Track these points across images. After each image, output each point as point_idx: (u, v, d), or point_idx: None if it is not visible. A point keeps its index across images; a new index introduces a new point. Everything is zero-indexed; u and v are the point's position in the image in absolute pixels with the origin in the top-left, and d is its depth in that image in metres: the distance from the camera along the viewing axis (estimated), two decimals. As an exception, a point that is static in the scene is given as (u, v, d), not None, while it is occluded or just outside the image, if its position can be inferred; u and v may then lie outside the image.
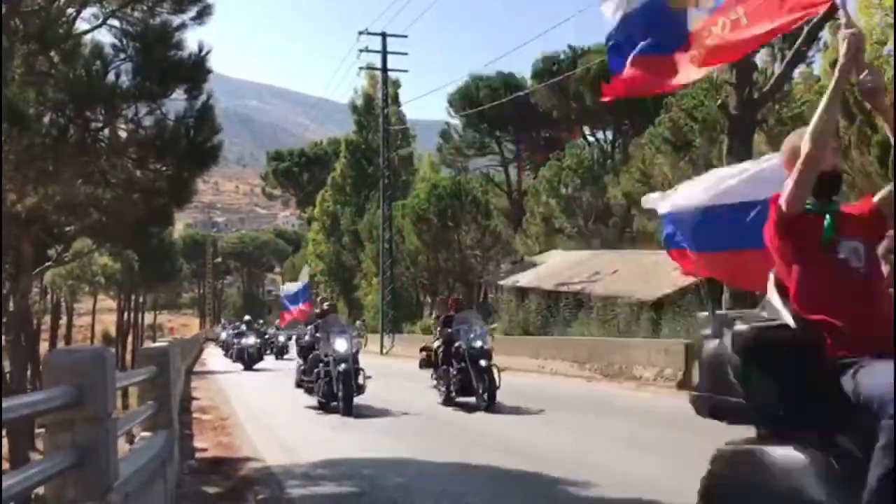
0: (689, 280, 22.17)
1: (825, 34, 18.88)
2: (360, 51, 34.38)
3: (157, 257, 37.95)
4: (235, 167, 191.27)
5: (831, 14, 6.97)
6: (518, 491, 5.54)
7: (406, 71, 37.47)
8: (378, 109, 37.68)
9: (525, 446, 7.17)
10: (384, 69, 34.66)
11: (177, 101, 7.55)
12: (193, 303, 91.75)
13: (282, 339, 29.59)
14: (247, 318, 28.44)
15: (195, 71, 7.30)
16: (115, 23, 7.46)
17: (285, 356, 27.63)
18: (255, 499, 5.24)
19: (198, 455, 7.19)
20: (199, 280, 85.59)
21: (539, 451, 6.83)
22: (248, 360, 23.37)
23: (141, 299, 51.92)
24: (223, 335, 37.31)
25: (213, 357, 32.94)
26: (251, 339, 24.22)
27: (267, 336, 30.22)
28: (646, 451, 6.84)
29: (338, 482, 5.81)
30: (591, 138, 43.73)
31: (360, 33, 33.78)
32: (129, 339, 47.79)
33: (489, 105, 36.32)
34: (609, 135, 42.91)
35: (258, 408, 12.32)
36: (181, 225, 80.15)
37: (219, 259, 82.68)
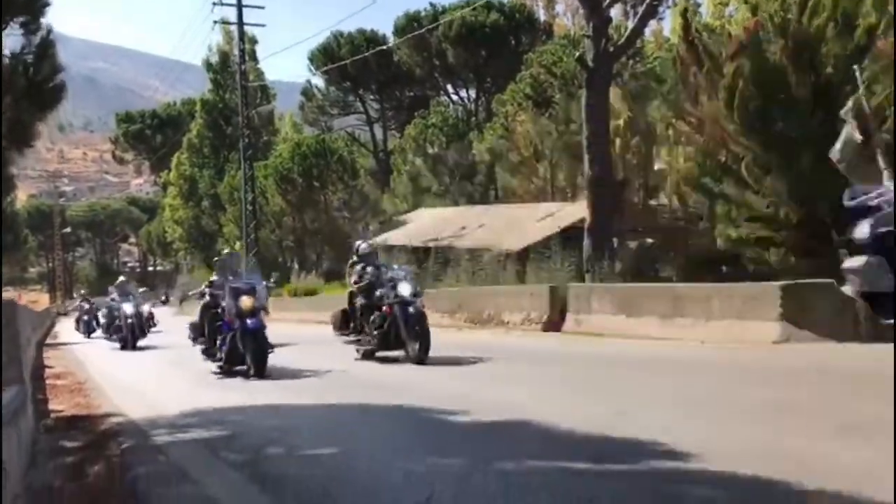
0: (552, 230, 23.01)
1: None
2: (214, 3, 32.80)
3: (-5, 227, 34.84)
4: (82, 133, 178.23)
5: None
6: (391, 420, 5.60)
7: (263, 25, 36.26)
8: (235, 66, 36.16)
9: (424, 389, 7.06)
10: (240, 22, 33.21)
11: (12, 37, 6.81)
12: (42, 278, 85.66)
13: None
14: (121, 278, 22.34)
15: (31, 2, 6.59)
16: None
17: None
18: (118, 448, 4.96)
19: (54, 415, 6.71)
20: (46, 253, 79.92)
21: (434, 392, 6.80)
22: (130, 335, 17.06)
23: (-22, 274, 47.65)
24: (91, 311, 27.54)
25: (69, 334, 30.69)
26: (130, 307, 17.12)
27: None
28: (514, 384, 7.07)
29: (207, 428, 5.59)
30: (454, 97, 44.12)
31: (213, -15, 32.23)
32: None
33: (351, 60, 35.72)
34: (472, 93, 43.43)
35: (124, 371, 11.66)
36: (23, 195, 73.96)
37: (68, 229, 77.17)
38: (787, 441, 3.88)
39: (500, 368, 8.31)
